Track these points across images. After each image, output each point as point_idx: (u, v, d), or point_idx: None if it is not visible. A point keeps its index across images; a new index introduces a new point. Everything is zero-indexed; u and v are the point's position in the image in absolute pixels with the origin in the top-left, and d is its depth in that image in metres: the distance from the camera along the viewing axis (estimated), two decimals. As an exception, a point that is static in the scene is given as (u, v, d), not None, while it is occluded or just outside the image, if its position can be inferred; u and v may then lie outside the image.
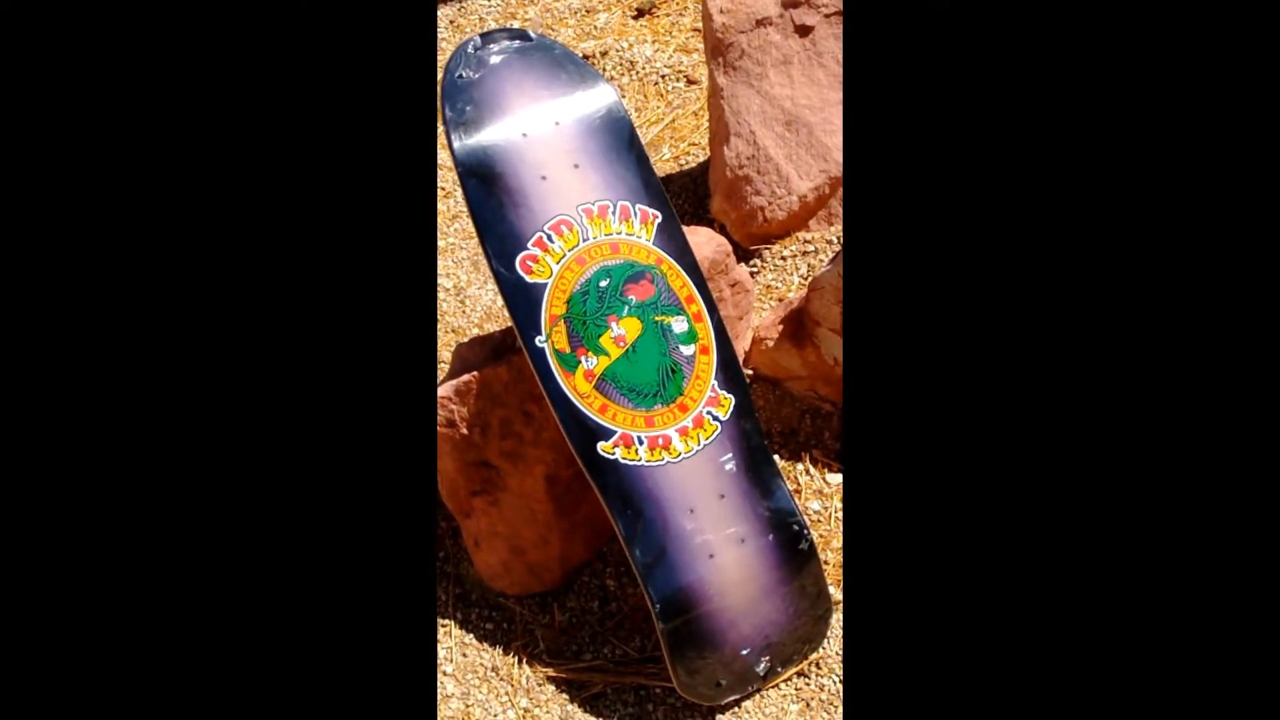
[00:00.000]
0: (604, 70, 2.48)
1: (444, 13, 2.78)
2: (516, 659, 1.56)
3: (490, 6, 2.77)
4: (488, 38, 1.50)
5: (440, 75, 1.46)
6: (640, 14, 2.62)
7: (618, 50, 2.51)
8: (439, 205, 2.29)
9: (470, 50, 1.48)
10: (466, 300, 2.08)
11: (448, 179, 2.33)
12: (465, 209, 2.18)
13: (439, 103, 1.45)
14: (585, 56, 2.52)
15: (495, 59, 1.49)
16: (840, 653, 1.51)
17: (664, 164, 2.22)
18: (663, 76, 2.43)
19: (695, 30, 2.52)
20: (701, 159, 2.20)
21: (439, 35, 2.71)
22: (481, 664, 1.57)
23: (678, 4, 2.61)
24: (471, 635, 1.61)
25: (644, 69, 2.45)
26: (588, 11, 2.66)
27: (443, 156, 2.39)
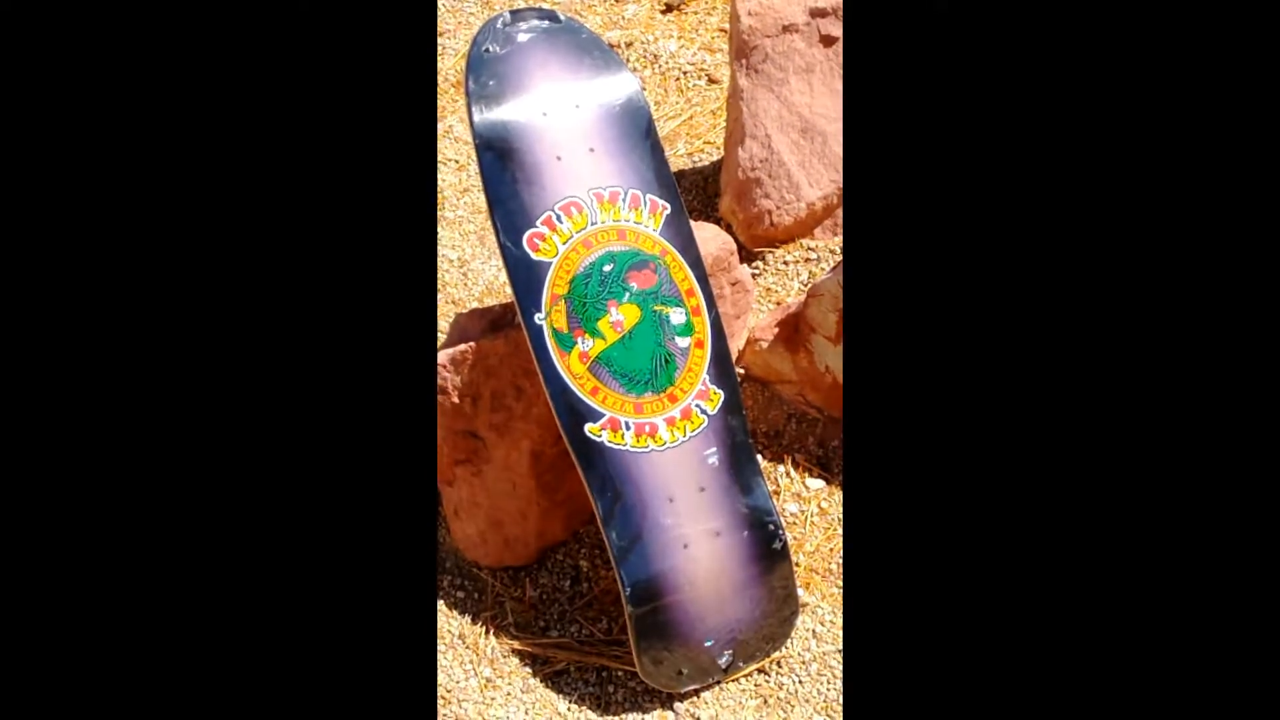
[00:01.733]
0: (627, 61, 2.49)
1: (474, -13, 2.79)
2: (484, 629, 1.58)
3: (521, -14, 2.78)
4: (517, 15, 1.51)
5: (469, 48, 1.47)
6: (668, 9, 2.63)
7: (643, 43, 2.52)
8: (451, 178, 2.30)
9: (499, 26, 1.50)
10: (469, 273, 2.10)
11: (462, 151, 2.34)
12: (476, 183, 2.20)
13: (465, 75, 1.46)
14: (610, 46, 2.53)
15: (523, 36, 1.50)
16: (802, 653, 1.53)
17: (678, 159, 2.24)
18: (685, 73, 2.44)
19: (721, 30, 2.54)
20: (715, 158, 2.22)
21: (469, 10, 2.72)
22: (449, 630, 1.59)
23: (706, 2, 2.62)
24: (442, 602, 1.63)
25: (667, 64, 2.46)
26: (617, 1, 2.68)
27: (458, 130, 2.40)
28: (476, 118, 1.43)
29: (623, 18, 2.63)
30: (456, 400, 1.52)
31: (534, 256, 1.43)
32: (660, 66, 2.46)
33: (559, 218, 1.45)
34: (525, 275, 1.42)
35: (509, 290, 1.45)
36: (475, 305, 2.03)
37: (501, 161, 1.43)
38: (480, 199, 2.15)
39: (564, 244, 1.45)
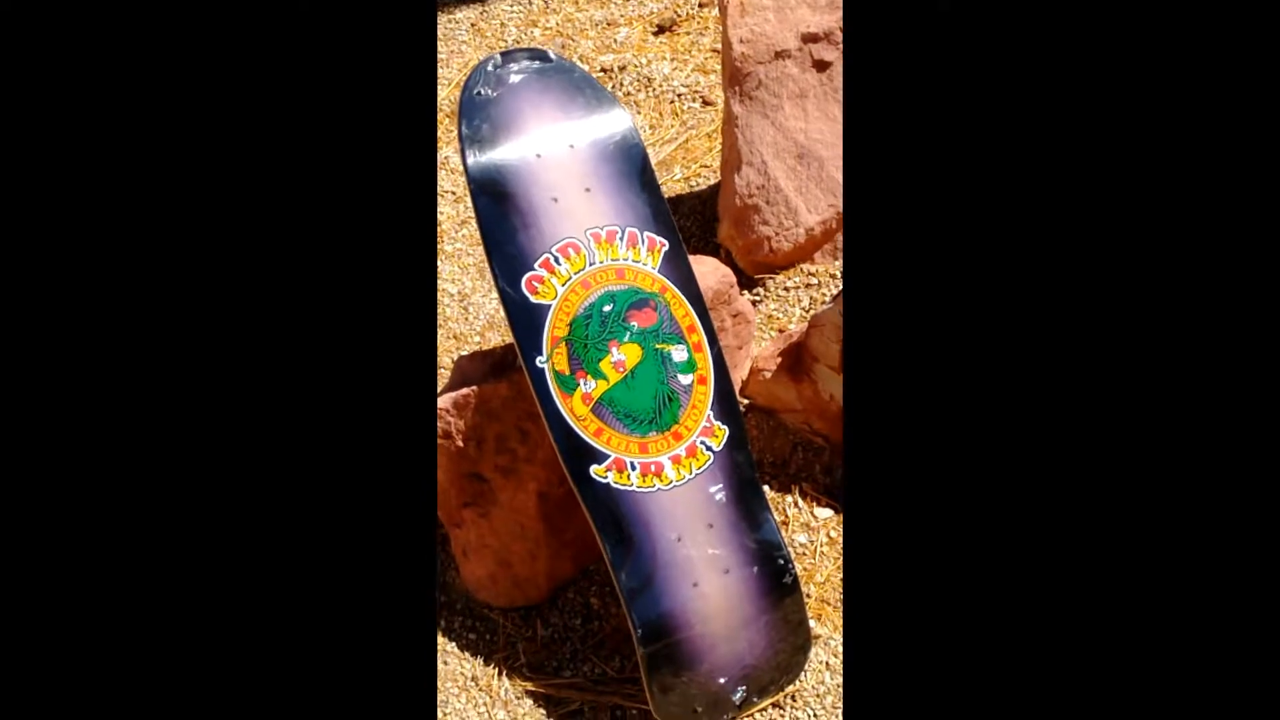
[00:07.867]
0: (621, 85, 2.49)
1: (466, 15, 2.79)
2: (497, 671, 1.58)
3: (512, 12, 2.78)
4: (508, 57, 1.51)
5: (460, 94, 1.48)
6: (660, 30, 2.63)
7: (636, 65, 2.52)
8: (449, 209, 2.30)
9: (490, 68, 1.49)
10: (470, 307, 2.09)
11: (458, 183, 2.34)
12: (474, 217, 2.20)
13: (458, 119, 1.46)
14: (603, 70, 2.53)
15: (514, 78, 1.50)
16: (816, 687, 1.53)
17: (674, 184, 2.24)
18: (679, 95, 2.44)
19: (714, 51, 2.53)
20: (712, 181, 2.21)
21: (461, 38, 2.73)
22: (461, 673, 1.59)
23: (698, 23, 2.62)
24: (454, 644, 1.62)
25: (660, 86, 2.47)
26: (608, 24, 2.68)
27: (454, 161, 2.40)
28: (470, 161, 1.43)
29: (615, 41, 2.63)
30: (461, 444, 1.52)
31: (533, 300, 1.43)
32: (654, 90, 2.46)
33: (557, 259, 1.45)
34: (525, 319, 1.42)
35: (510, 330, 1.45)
36: (477, 339, 2.03)
37: (498, 205, 1.43)
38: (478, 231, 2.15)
39: (562, 286, 1.44)
